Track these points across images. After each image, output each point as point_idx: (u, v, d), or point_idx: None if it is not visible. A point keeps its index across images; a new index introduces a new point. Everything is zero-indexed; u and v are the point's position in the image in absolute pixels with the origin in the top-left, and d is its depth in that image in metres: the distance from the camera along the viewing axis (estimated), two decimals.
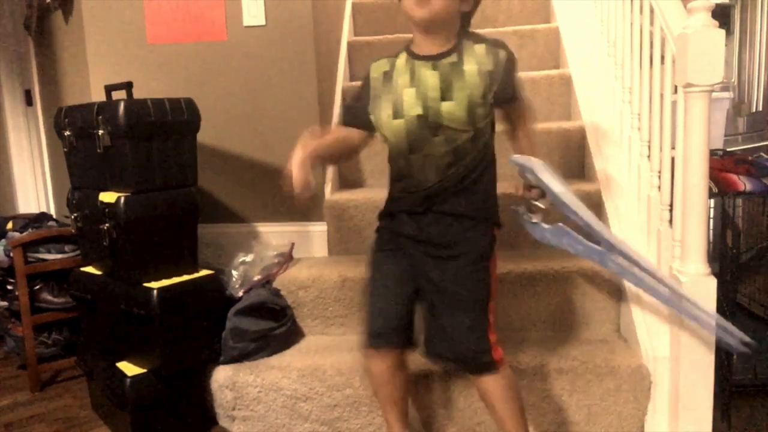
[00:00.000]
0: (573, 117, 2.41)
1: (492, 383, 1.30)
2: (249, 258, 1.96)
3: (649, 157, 1.70)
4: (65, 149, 1.84)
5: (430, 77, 1.25)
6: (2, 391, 2.13)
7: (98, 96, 1.96)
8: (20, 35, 2.94)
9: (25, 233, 2.11)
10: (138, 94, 1.70)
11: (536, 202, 1.33)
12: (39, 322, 2.12)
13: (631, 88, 1.86)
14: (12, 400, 2.06)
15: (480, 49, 1.26)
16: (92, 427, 1.85)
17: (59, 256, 2.12)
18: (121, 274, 1.71)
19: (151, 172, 1.66)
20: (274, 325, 1.80)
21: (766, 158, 1.92)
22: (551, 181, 1.26)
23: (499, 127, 1.35)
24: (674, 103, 1.48)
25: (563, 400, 1.61)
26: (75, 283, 1.88)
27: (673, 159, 1.51)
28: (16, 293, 2.08)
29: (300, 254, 2.16)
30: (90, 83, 2.17)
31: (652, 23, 1.64)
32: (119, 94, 1.71)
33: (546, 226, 1.36)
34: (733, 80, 3.10)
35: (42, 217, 2.31)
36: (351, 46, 2.76)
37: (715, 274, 1.43)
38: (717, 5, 1.59)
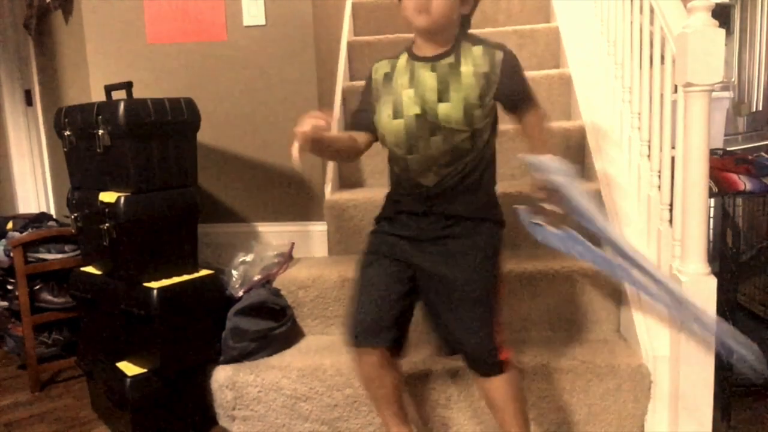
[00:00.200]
0: (573, 117, 2.41)
1: (497, 384, 1.29)
2: (249, 258, 1.96)
3: (649, 156, 1.70)
4: (65, 149, 1.84)
5: (428, 78, 1.26)
6: (2, 391, 2.13)
7: (98, 96, 1.96)
8: (20, 35, 2.94)
9: (25, 233, 2.11)
10: (138, 94, 1.70)
11: (546, 205, 1.29)
12: (39, 322, 2.12)
13: (631, 87, 1.86)
14: (12, 400, 2.06)
15: (477, 50, 1.27)
16: (92, 427, 1.85)
17: (59, 256, 2.12)
18: (121, 274, 1.70)
19: (151, 172, 1.66)
20: (274, 325, 1.80)
21: (766, 158, 1.91)
22: (566, 184, 1.22)
23: (506, 126, 1.35)
24: (674, 103, 1.48)
25: (563, 400, 1.61)
26: (75, 283, 1.88)
27: (673, 158, 1.51)
28: (16, 293, 2.08)
29: (300, 254, 2.16)
30: (90, 83, 2.17)
31: (652, 23, 1.64)
32: (119, 94, 1.71)
33: (553, 229, 1.33)
34: (733, 80, 3.11)
35: (42, 217, 2.31)
36: (351, 46, 2.76)
37: (715, 273, 1.43)
38: (717, 5, 1.59)
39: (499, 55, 1.27)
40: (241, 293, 1.86)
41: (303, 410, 1.70)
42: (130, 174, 1.63)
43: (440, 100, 1.24)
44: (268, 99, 2.15)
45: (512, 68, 1.29)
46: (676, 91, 1.45)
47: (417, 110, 1.25)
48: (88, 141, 1.70)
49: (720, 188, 1.75)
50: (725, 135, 2.81)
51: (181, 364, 1.70)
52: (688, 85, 1.34)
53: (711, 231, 1.87)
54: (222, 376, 1.74)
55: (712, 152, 1.83)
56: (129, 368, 1.69)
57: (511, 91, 1.29)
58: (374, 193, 2.12)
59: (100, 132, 1.63)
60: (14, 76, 3.03)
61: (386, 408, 1.43)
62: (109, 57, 2.17)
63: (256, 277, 1.91)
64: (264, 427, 1.73)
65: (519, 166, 2.26)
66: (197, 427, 1.76)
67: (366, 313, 1.33)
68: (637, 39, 1.79)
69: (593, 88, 2.25)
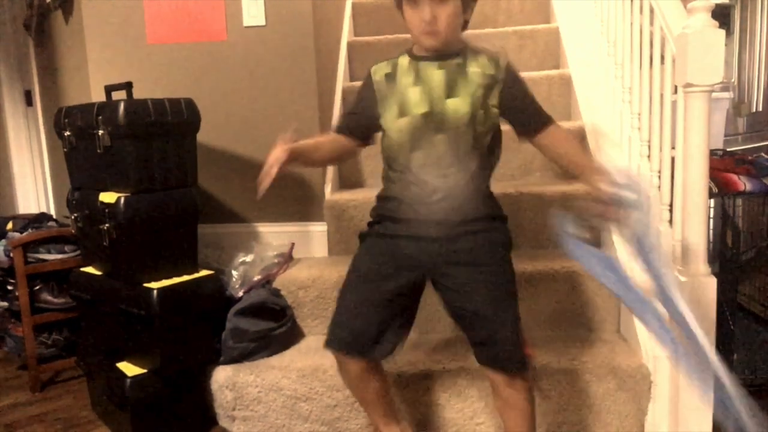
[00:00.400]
0: (573, 117, 2.41)
1: (518, 387, 1.28)
2: (249, 258, 1.96)
3: (649, 156, 1.70)
4: (65, 149, 1.84)
5: (435, 75, 1.27)
6: (2, 391, 2.13)
7: (98, 96, 1.96)
8: (20, 35, 2.94)
9: (25, 233, 2.11)
10: (138, 94, 1.70)
11: (612, 223, 1.14)
12: (39, 322, 2.11)
13: (631, 88, 1.86)
14: (12, 400, 2.06)
15: (482, 58, 1.29)
16: (92, 427, 1.85)
17: (59, 256, 2.12)
18: (121, 274, 1.70)
19: (151, 172, 1.66)
20: (274, 326, 1.80)
21: (766, 158, 1.92)
22: (643, 209, 1.08)
23: (505, 126, 1.32)
24: (674, 103, 1.48)
25: (563, 400, 1.61)
26: (75, 283, 1.88)
27: (673, 159, 1.51)
28: (16, 293, 2.08)
29: (300, 254, 2.16)
30: (90, 83, 2.17)
31: (652, 23, 1.64)
32: (119, 94, 1.71)
33: (591, 248, 1.18)
34: (733, 80, 3.11)
35: (42, 217, 2.31)
36: (351, 46, 2.76)
37: (715, 274, 1.43)
38: (717, 5, 1.59)
39: (504, 61, 1.28)
40: (241, 293, 1.86)
41: (303, 410, 1.70)
42: (130, 174, 1.63)
43: (448, 96, 1.25)
44: (268, 99, 2.15)
45: (515, 74, 1.30)
46: (676, 91, 1.45)
47: (424, 108, 1.25)
48: (88, 141, 1.70)
49: (720, 189, 1.75)
50: (725, 135, 2.82)
51: (181, 365, 1.70)
52: (688, 85, 1.34)
53: (711, 231, 1.87)
54: (222, 376, 1.74)
55: (712, 153, 1.83)
56: (129, 368, 1.69)
57: (515, 95, 1.28)
58: (374, 193, 2.08)
59: (100, 132, 1.63)
60: (14, 76, 3.03)
61: (372, 409, 1.43)
62: (109, 57, 2.17)
63: (256, 278, 1.91)
64: (264, 427, 1.73)
65: (519, 166, 2.27)
66: (197, 428, 1.76)
67: (346, 323, 1.31)
68: (637, 39, 1.79)
69: (593, 88, 2.25)
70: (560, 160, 1.32)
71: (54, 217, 2.41)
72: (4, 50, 3.00)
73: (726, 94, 2.95)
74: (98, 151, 1.66)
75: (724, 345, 1.84)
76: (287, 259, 2.06)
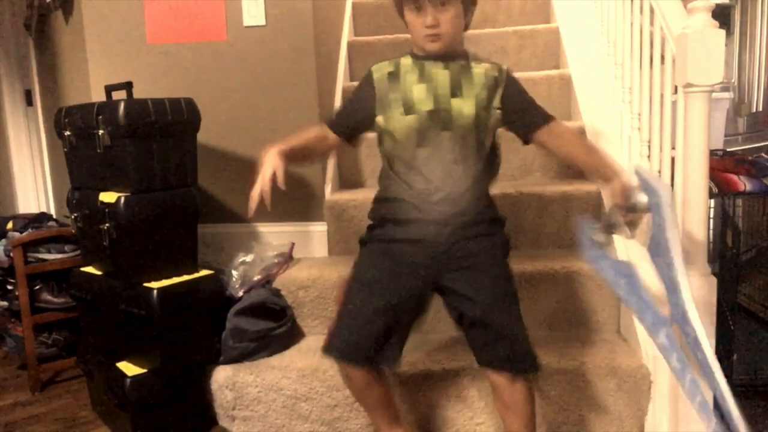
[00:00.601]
0: (573, 117, 2.41)
1: (520, 388, 1.28)
2: (249, 258, 1.96)
3: (649, 157, 1.70)
4: (65, 149, 1.84)
5: (441, 74, 1.28)
6: (2, 391, 2.14)
7: (98, 96, 1.96)
8: (20, 35, 2.94)
9: (25, 233, 2.11)
10: (138, 94, 1.70)
11: (627, 228, 1.13)
12: (39, 322, 2.12)
13: (631, 88, 1.86)
14: (12, 400, 2.06)
15: (485, 63, 1.32)
16: (92, 427, 1.85)
17: (59, 256, 2.12)
18: (121, 274, 1.70)
19: (151, 172, 1.66)
20: (274, 325, 1.80)
21: (766, 158, 1.92)
22: (668, 217, 1.04)
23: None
24: (674, 104, 1.48)
25: (563, 400, 1.61)
26: (75, 283, 1.88)
27: (673, 159, 1.51)
28: (16, 293, 2.08)
29: (300, 254, 2.16)
30: (90, 83, 2.17)
31: (652, 23, 1.64)
32: (119, 94, 1.71)
33: (611, 258, 1.17)
34: (733, 80, 3.11)
35: (42, 217, 2.31)
36: (351, 46, 2.76)
37: (715, 274, 1.43)
38: (717, 5, 1.59)
39: (505, 67, 1.32)
40: (241, 293, 1.86)
41: (303, 410, 1.70)
42: (130, 174, 1.63)
43: (453, 95, 1.26)
44: (268, 99, 2.15)
45: (515, 78, 1.32)
46: (676, 91, 1.45)
47: (430, 106, 1.26)
48: (88, 141, 1.70)
49: (720, 189, 1.75)
50: (725, 135, 2.81)
51: (181, 364, 1.70)
52: (688, 85, 1.34)
53: (711, 231, 1.87)
54: (222, 376, 1.74)
55: (712, 153, 1.83)
56: (129, 368, 1.69)
57: (514, 94, 1.30)
58: (374, 193, 2.11)
59: (100, 132, 1.63)
60: (14, 76, 3.03)
61: (376, 415, 1.43)
62: (109, 57, 2.17)
63: (256, 278, 1.91)
64: (264, 427, 1.73)
65: (519, 166, 2.27)
66: (197, 427, 1.76)
67: (349, 332, 1.30)
68: (637, 39, 1.78)
69: (593, 88, 2.25)
70: (570, 161, 1.34)
71: (54, 216, 2.41)
72: (4, 50, 3.00)
73: (726, 94, 2.95)
74: (98, 150, 1.66)
75: (724, 345, 1.84)
76: (287, 259, 2.06)
